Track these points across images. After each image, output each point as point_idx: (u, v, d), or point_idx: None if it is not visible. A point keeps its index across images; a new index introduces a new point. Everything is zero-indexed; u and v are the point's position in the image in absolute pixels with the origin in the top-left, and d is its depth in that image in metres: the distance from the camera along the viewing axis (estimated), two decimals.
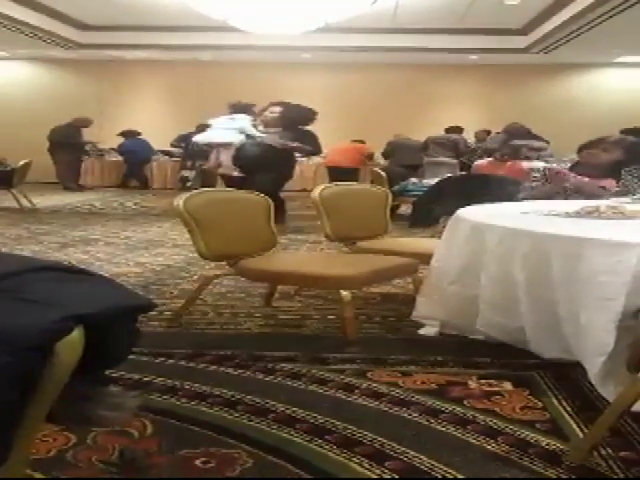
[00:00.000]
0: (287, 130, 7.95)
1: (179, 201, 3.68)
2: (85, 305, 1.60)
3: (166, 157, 14.83)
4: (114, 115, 15.48)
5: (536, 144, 8.55)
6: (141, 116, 15.75)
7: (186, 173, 13.62)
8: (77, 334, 1.41)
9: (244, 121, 8.13)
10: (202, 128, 13.43)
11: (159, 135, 14.79)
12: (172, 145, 13.95)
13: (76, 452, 2.23)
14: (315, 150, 8.55)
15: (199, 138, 8.80)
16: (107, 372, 2.67)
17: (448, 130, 11.38)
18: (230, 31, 10.92)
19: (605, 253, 2.77)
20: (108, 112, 15.33)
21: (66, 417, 1.88)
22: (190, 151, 13.53)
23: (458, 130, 11.49)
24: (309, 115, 8.28)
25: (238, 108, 8.56)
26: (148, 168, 14.80)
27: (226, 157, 8.00)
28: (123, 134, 14.58)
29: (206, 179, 13.13)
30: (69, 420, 1.94)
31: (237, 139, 7.92)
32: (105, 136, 14.72)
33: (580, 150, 4.88)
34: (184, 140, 13.57)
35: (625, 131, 10.21)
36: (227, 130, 8.08)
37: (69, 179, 13.82)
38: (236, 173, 7.92)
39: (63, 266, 1.81)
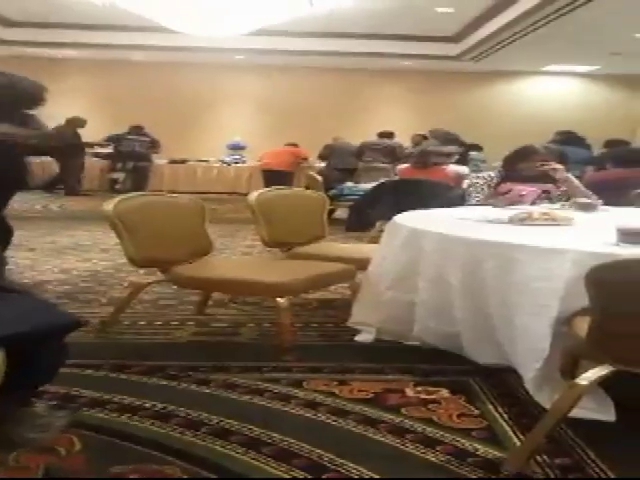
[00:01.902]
0: None
1: (109, 206, 3.56)
2: (8, 326, 1.53)
3: (93, 158, 14.45)
4: (43, 115, 15.06)
5: (445, 150, 8.64)
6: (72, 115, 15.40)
7: (115, 175, 13.37)
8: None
9: None
10: (135, 129, 13.32)
11: (89, 136, 14.49)
12: (97, 145, 13.51)
13: None
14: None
15: None
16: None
17: (381, 135, 11.44)
18: (162, 32, 10.77)
19: (537, 259, 2.79)
20: (37, 112, 14.92)
21: None
22: (120, 152, 13.28)
23: (390, 135, 11.56)
24: (35, 92, 5.26)
25: None
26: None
27: None
28: None
29: (137, 181, 12.94)
30: None
31: None
32: None
33: (509, 162, 4.84)
34: (114, 141, 13.30)
35: (560, 133, 10.45)
36: None
37: (76, 182, 13.18)
38: None
39: None
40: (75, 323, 1.86)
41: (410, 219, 3.66)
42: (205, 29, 9.95)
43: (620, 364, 2.16)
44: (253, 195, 4.34)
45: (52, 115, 6.04)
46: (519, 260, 2.85)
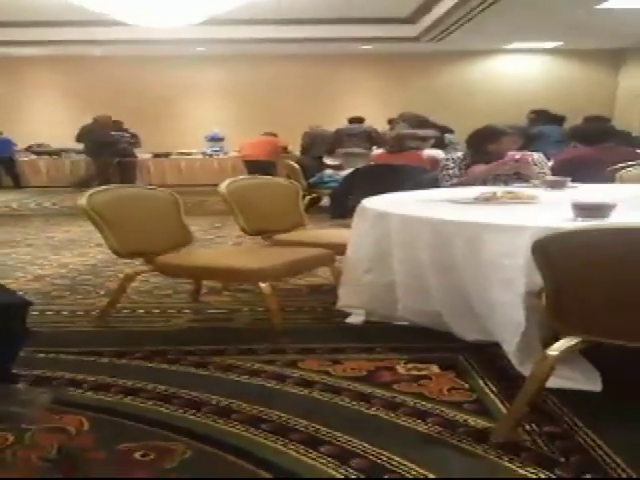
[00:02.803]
0: None
1: (82, 199, 3.66)
2: None
3: (78, 155, 14.39)
4: (14, 115, 15.10)
5: (421, 133, 8.61)
6: (42, 115, 15.38)
7: None
8: None
9: None
10: (114, 124, 13.28)
11: (61, 132, 14.50)
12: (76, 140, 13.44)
13: (15, 451, 2.22)
14: None
15: None
16: (33, 371, 2.70)
17: (351, 121, 11.40)
18: (119, 25, 10.52)
19: (500, 237, 2.90)
20: (6, 112, 14.92)
21: None
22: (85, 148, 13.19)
23: (361, 120, 11.55)
24: None
25: None
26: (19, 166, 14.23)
27: None
28: None
29: (125, 176, 12.94)
30: None
31: None
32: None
33: (476, 143, 4.84)
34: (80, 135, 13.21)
35: (535, 112, 10.50)
36: None
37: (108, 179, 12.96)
38: None
39: None
40: (24, 303, 1.97)
41: (377, 203, 3.76)
42: (152, 20, 9.71)
43: (581, 334, 2.28)
44: (223, 185, 4.40)
45: None
46: (483, 238, 2.96)
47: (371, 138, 10.59)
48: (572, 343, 2.28)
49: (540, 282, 2.42)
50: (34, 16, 11.52)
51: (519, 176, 4.57)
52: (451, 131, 10.57)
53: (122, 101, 14.44)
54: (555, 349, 2.28)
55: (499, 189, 3.83)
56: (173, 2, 8.99)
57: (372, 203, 3.74)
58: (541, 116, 10.32)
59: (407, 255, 3.34)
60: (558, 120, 10.08)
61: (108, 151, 12.78)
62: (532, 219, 3.02)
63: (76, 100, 15.21)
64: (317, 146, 11.17)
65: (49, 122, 15.23)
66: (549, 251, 2.22)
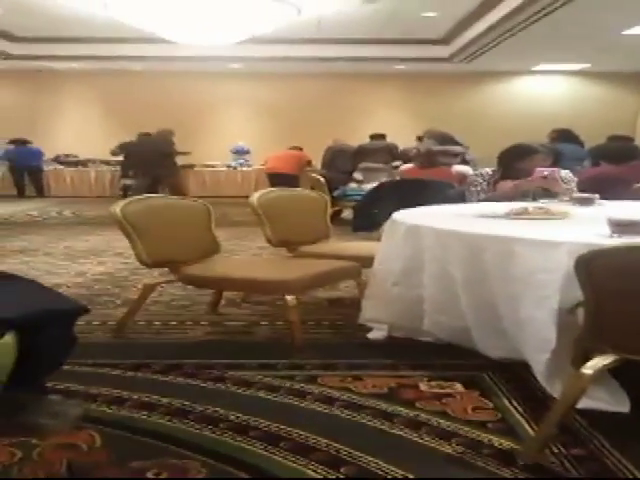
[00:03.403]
0: None
1: (116, 208, 3.64)
2: (14, 309, 1.56)
3: (104, 166, 14.55)
4: (50, 126, 15.32)
5: (452, 149, 8.62)
6: (77, 126, 15.61)
7: (127, 182, 13.37)
8: (9, 339, 1.37)
9: None
10: (144, 136, 13.30)
11: (90, 144, 14.82)
12: (112, 153, 13.48)
13: (22, 467, 2.15)
14: None
15: None
16: (49, 383, 2.63)
17: (373, 137, 11.43)
18: (159, 42, 10.83)
19: (535, 252, 2.83)
20: (43, 123, 15.23)
21: (4, 427, 1.83)
22: (132, 160, 13.24)
23: (383, 137, 11.57)
24: None
25: None
26: (44, 177, 14.32)
27: None
28: (13, 142, 14.05)
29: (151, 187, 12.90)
30: (8, 429, 1.88)
31: None
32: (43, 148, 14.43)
33: (508, 160, 4.80)
34: (125, 149, 13.28)
35: (557, 131, 10.50)
36: None
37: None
38: None
39: None
40: (80, 308, 1.90)
41: (408, 216, 3.69)
42: (198, 38, 10.06)
43: (619, 352, 2.19)
44: (254, 196, 4.41)
45: None
46: (517, 253, 2.88)
47: (393, 154, 10.64)
48: (607, 362, 2.20)
49: (574, 298, 2.36)
50: (77, 32, 11.78)
51: (546, 192, 4.50)
52: (466, 148, 10.64)
53: (155, 114, 14.54)
54: (589, 367, 2.19)
55: (530, 205, 3.76)
56: (218, 22, 9.19)
57: (403, 216, 3.68)
58: (561, 135, 10.35)
59: (438, 269, 3.26)
60: (574, 139, 10.13)
61: (167, 163, 12.65)
62: (567, 234, 2.94)
63: (107, 113, 15.51)
64: (338, 161, 11.16)
65: (80, 134, 15.46)
66: (592, 267, 2.16)
